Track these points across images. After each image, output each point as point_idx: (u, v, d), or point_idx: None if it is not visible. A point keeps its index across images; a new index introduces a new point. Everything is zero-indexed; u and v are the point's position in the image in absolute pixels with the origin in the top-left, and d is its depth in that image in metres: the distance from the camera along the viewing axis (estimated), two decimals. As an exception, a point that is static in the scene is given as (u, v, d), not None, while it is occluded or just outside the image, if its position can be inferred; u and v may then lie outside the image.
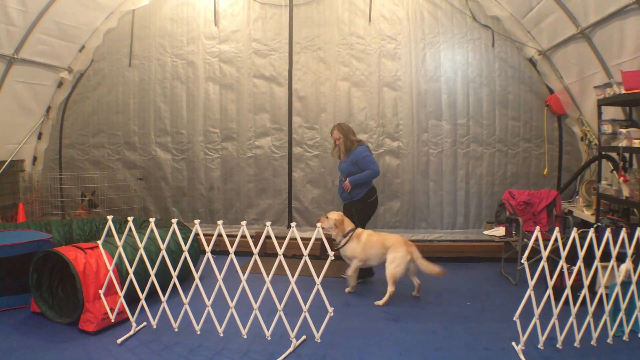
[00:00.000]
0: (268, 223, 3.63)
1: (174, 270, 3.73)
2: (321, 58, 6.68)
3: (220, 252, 4.21)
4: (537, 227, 3.50)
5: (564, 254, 3.48)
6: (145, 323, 3.97)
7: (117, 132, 7.09)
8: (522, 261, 3.55)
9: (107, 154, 7.13)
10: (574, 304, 3.48)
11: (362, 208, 5.22)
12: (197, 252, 5.15)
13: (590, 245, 3.50)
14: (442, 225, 6.75)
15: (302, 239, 3.49)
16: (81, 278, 3.82)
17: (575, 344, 3.58)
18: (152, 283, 3.74)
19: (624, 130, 4.64)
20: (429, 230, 6.72)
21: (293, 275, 3.52)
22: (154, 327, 3.85)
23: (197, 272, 3.72)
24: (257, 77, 6.80)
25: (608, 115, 5.21)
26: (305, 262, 3.47)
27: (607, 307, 3.63)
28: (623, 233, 3.63)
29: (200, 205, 7.04)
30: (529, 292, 3.38)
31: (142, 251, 3.72)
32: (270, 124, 6.83)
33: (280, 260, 3.49)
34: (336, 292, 4.95)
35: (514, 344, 3.62)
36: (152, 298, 3.99)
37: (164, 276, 3.95)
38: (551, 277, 3.51)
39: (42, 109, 6.75)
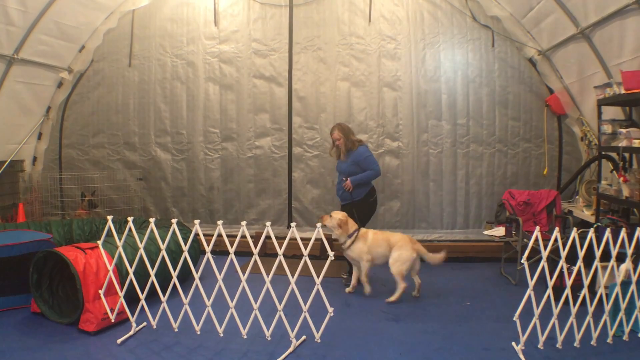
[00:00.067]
0: (268, 223, 3.64)
1: (174, 270, 3.73)
2: (321, 58, 6.68)
3: (220, 252, 4.21)
4: (537, 227, 3.50)
5: (564, 254, 3.48)
6: (145, 323, 3.97)
7: (117, 132, 7.09)
8: (522, 261, 3.55)
9: (107, 154, 7.13)
10: (574, 304, 3.48)
11: (363, 208, 5.21)
12: (197, 252, 5.15)
13: (590, 245, 3.50)
14: (442, 225, 6.75)
15: (302, 239, 3.49)
16: (81, 278, 3.82)
17: (575, 344, 3.58)
18: (152, 283, 3.74)
19: (623, 130, 4.63)
20: (429, 231, 6.72)
21: (293, 276, 3.52)
22: (154, 327, 3.85)
23: (197, 272, 3.72)
24: (257, 77, 6.80)
25: (608, 115, 5.21)
26: (305, 262, 3.47)
27: (607, 307, 3.63)
28: (623, 233, 3.63)
29: (200, 206, 7.04)
30: (529, 292, 3.38)
31: (142, 251, 3.72)
32: (270, 124, 6.83)
33: (280, 261, 3.49)
34: (336, 292, 4.95)
35: (514, 344, 3.62)
36: (152, 298, 3.99)
37: (164, 276, 3.95)
38: (551, 277, 3.51)
39: (42, 109, 6.75)
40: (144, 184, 7.07)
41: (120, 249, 3.73)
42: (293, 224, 3.66)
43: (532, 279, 3.40)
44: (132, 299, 3.92)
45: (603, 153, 5.25)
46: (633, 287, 3.67)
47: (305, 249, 3.47)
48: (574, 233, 3.48)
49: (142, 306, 3.81)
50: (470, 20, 6.51)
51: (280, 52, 6.72)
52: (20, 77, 5.96)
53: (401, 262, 4.70)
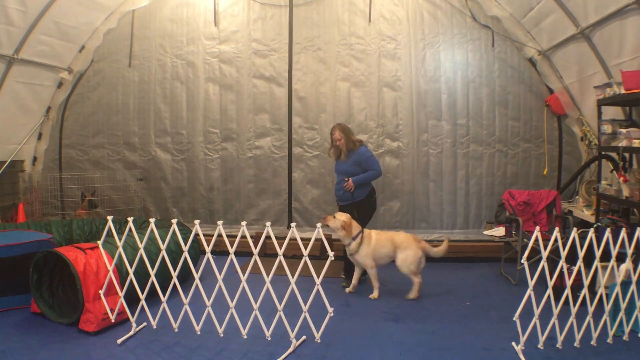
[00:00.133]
0: (268, 223, 3.63)
1: (174, 270, 3.73)
2: (321, 58, 6.68)
3: (220, 252, 4.21)
4: (537, 227, 3.50)
5: (563, 254, 3.48)
6: (145, 323, 3.97)
7: (117, 132, 7.09)
8: (522, 261, 3.55)
9: (107, 154, 7.13)
10: (574, 304, 3.48)
11: (364, 208, 5.19)
12: (197, 252, 5.15)
13: (590, 245, 3.50)
14: (442, 225, 6.75)
15: (302, 239, 3.49)
16: (81, 278, 3.82)
17: (575, 344, 3.58)
18: (152, 283, 3.74)
19: (623, 130, 4.63)
20: (429, 231, 6.71)
21: (293, 276, 3.52)
22: (154, 327, 3.85)
23: (197, 272, 3.72)
24: (257, 78, 6.80)
25: (608, 115, 5.21)
26: (305, 262, 3.47)
27: (607, 307, 3.63)
28: (623, 233, 3.63)
29: (200, 206, 7.04)
30: (529, 292, 3.38)
31: (142, 251, 3.72)
32: (270, 124, 6.83)
33: (280, 261, 3.49)
34: (336, 293, 4.96)
35: (514, 344, 3.62)
36: (152, 298, 3.99)
37: (164, 276, 3.95)
38: (551, 277, 3.51)
39: (42, 109, 6.75)
40: (144, 184, 7.07)
41: (120, 249, 3.73)
42: (293, 224, 3.65)
43: (532, 279, 3.40)
44: (132, 299, 3.92)
45: (603, 153, 5.25)
46: (633, 287, 3.67)
47: (305, 249, 3.47)
48: (574, 233, 3.48)
49: (142, 306, 3.80)
50: (470, 21, 6.51)
51: (280, 52, 6.73)
52: (20, 77, 5.96)
53: (409, 262, 4.76)
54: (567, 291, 3.48)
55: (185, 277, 4.70)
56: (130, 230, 3.69)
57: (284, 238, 3.71)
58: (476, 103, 6.60)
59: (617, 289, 3.61)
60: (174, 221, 3.70)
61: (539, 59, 6.33)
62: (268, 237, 3.52)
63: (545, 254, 3.42)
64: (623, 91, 4.48)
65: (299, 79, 6.73)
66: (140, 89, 6.99)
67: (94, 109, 7.08)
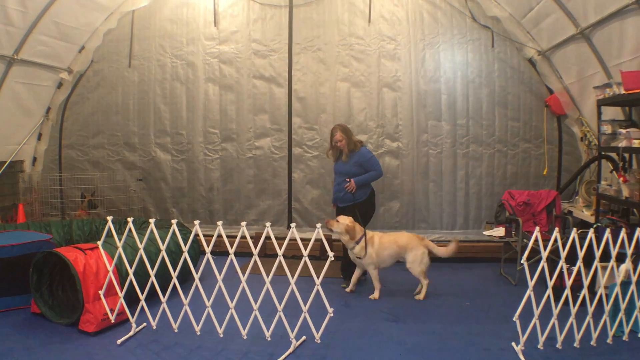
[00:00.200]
0: (268, 224, 3.63)
1: (174, 271, 3.73)
2: (321, 59, 6.68)
3: (220, 252, 4.21)
4: (537, 228, 3.50)
5: (563, 254, 3.48)
6: (145, 324, 3.97)
7: (117, 132, 7.09)
8: (521, 261, 3.55)
9: (106, 154, 7.13)
10: (574, 304, 3.49)
11: (365, 209, 5.18)
12: (197, 252, 5.15)
13: (590, 245, 3.50)
14: (441, 225, 6.75)
15: (301, 239, 3.49)
16: (81, 279, 3.82)
17: (575, 344, 3.58)
18: (152, 284, 3.74)
19: (623, 131, 4.63)
20: (429, 231, 6.70)
21: (293, 276, 3.52)
22: (154, 327, 3.85)
23: (197, 272, 3.72)
24: (256, 78, 6.80)
25: (608, 115, 5.21)
26: (305, 262, 3.47)
27: (607, 307, 3.63)
28: (623, 233, 3.63)
29: (200, 206, 7.04)
30: (529, 292, 3.38)
31: (142, 252, 3.72)
32: (270, 124, 6.83)
33: (280, 261, 3.49)
34: (336, 293, 4.96)
35: (513, 344, 3.62)
36: (152, 299, 3.99)
37: (163, 277, 3.94)
38: (551, 277, 3.51)
39: (41, 109, 6.75)
40: (144, 185, 7.07)
41: (120, 250, 3.73)
42: (293, 225, 3.65)
43: (532, 279, 3.40)
44: (132, 300, 3.92)
45: (603, 153, 5.25)
46: (633, 287, 3.67)
47: (305, 249, 3.47)
48: (574, 233, 3.48)
49: (142, 307, 3.81)
50: (470, 21, 6.52)
51: (280, 53, 6.73)
52: (20, 78, 5.97)
53: (418, 263, 4.79)
54: (567, 291, 3.48)
55: (185, 278, 4.70)
56: (130, 230, 3.69)
57: (284, 238, 3.72)
58: (476, 103, 6.61)
59: (617, 289, 3.61)
60: (174, 221, 3.70)
61: (538, 59, 6.33)
62: (268, 238, 3.52)
63: (545, 254, 3.43)
64: (623, 91, 4.48)
65: (299, 79, 6.73)
66: (140, 89, 7.00)
67: (94, 109, 7.08)
